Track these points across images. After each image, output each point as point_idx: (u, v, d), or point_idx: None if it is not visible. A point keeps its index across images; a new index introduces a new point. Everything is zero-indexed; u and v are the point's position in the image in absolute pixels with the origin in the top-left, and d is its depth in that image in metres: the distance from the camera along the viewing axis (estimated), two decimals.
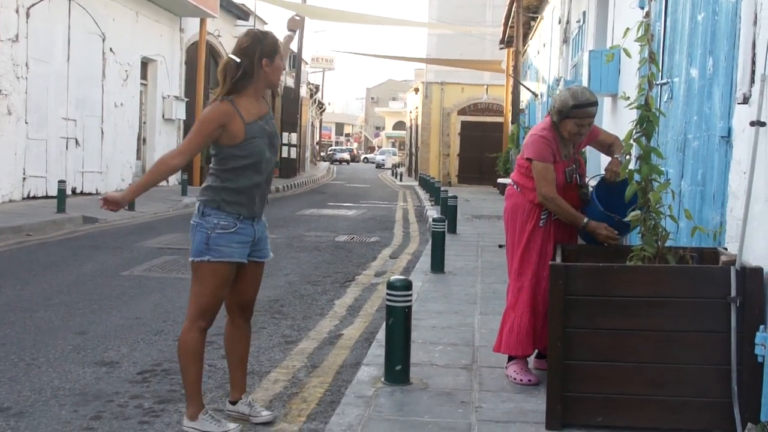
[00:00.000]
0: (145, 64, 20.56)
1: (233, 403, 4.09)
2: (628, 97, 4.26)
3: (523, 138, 18.40)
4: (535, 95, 18.88)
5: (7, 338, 5.61)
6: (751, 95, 3.84)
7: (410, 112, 46.01)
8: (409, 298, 4.52)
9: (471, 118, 34.93)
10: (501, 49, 26.49)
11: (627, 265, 3.91)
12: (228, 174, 3.82)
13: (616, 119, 7.78)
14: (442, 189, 16.80)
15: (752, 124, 3.64)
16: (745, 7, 3.99)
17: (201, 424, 3.82)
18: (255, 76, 3.81)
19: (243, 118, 3.77)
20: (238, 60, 3.77)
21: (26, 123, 15.08)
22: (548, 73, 16.46)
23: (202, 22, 22.31)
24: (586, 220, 4.41)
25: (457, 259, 9.50)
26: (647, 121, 4.06)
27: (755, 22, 3.86)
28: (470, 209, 18.09)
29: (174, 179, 21.92)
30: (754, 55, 3.85)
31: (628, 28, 4.23)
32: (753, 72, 3.84)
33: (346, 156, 72.16)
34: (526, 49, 22.71)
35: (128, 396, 4.47)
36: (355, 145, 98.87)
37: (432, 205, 18.61)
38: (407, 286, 4.51)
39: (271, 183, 4.03)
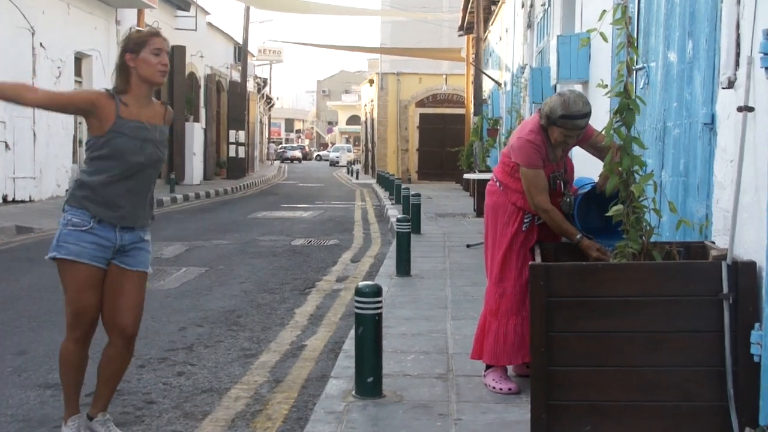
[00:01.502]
0: (79, 59, 20.19)
1: (90, 418, 3.94)
2: (606, 85, 4.23)
3: (487, 130, 18.54)
4: (499, 84, 18.95)
5: None
6: (736, 79, 3.85)
7: (365, 105, 45.92)
8: (379, 305, 4.46)
9: (430, 110, 34.91)
10: (460, 36, 26.59)
11: (612, 263, 3.90)
12: (90, 168, 3.81)
13: None
14: (402, 186, 16.80)
15: (740, 109, 3.64)
16: None
17: None
18: (127, 74, 3.81)
19: (119, 109, 3.76)
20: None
21: None
22: (512, 60, 16.52)
23: (140, 14, 21.97)
24: (579, 236, 4.36)
25: (423, 261, 9.48)
26: (627, 109, 4.04)
27: (738, 1, 3.87)
28: (434, 207, 18.11)
29: None
30: (738, 36, 3.86)
31: (604, 11, 4.21)
32: (738, 54, 3.85)
33: (298, 154, 72.04)
34: (487, 36, 22.80)
35: None
36: (307, 141, 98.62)
37: (392, 204, 18.58)
38: (377, 292, 4.46)
39: (150, 194, 3.92)
